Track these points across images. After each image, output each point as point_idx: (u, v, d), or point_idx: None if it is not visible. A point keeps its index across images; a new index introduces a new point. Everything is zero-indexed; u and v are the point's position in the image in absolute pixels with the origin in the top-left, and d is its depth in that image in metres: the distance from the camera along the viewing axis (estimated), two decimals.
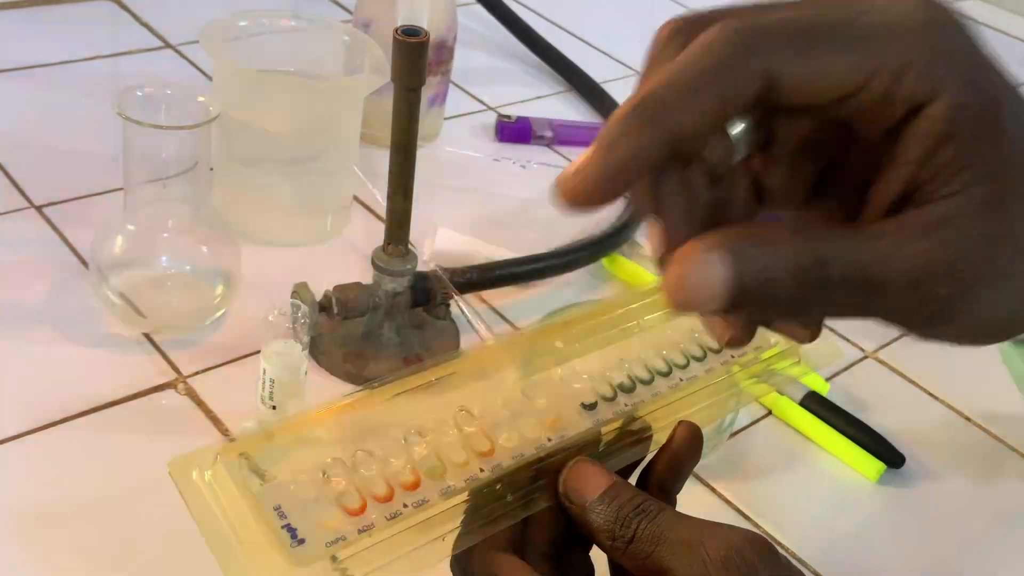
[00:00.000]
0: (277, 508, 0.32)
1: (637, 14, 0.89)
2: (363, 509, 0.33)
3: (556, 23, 0.87)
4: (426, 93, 0.64)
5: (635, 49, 0.85)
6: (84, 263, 0.51)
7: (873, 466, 0.48)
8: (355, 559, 0.32)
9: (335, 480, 0.33)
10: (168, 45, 0.73)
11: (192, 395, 0.45)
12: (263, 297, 0.48)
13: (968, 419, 0.53)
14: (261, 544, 0.31)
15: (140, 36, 0.74)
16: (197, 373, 0.46)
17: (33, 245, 0.52)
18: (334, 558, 0.32)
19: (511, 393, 0.37)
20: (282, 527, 0.32)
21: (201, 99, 0.45)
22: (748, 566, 0.30)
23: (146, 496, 0.40)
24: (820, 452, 0.49)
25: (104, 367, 0.46)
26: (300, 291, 0.47)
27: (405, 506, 0.33)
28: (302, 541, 0.31)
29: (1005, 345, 0.50)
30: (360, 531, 0.32)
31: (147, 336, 0.48)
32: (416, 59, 0.42)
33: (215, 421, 0.44)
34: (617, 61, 0.84)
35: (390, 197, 0.45)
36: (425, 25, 0.62)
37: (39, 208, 0.55)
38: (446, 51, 0.64)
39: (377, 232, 0.48)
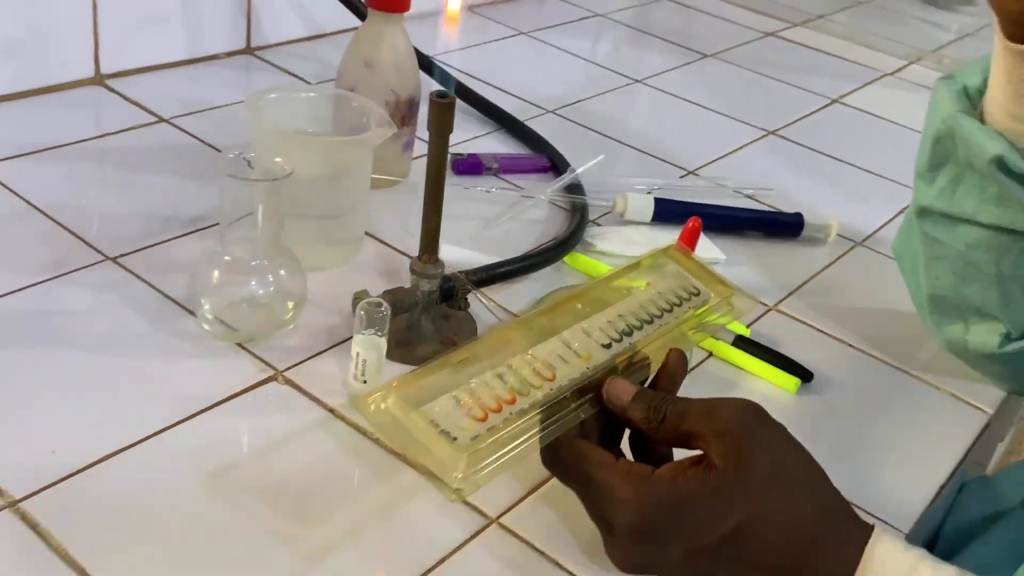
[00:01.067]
0: (432, 422, 0.47)
1: (536, 64, 1.06)
2: (486, 417, 0.48)
3: (477, 77, 1.04)
4: (401, 139, 0.79)
5: (541, 90, 1.04)
6: (167, 297, 0.64)
7: (792, 382, 0.65)
8: (488, 447, 0.47)
9: (463, 402, 0.48)
10: (162, 119, 0.86)
11: (292, 384, 0.59)
12: (315, 308, 0.63)
13: (851, 346, 0.72)
14: (436, 442, 0.45)
15: (133, 113, 0.86)
16: (289, 368, 0.60)
17: (117, 289, 0.65)
18: (471, 462, 0.46)
19: (553, 345, 0.53)
20: (439, 433, 0.47)
21: (277, 159, 0.59)
22: (751, 417, 0.47)
23: (289, 452, 0.53)
24: (752, 378, 0.67)
25: (216, 372, 0.59)
26: (361, 296, 0.61)
27: (511, 414, 0.49)
28: (455, 439, 0.46)
29: (896, 243, 0.68)
30: (488, 430, 0.47)
31: (240, 345, 0.61)
32: (447, 113, 0.57)
33: (315, 400, 0.58)
34: (529, 102, 1.01)
35: (425, 217, 0.60)
36: (407, 93, 0.78)
37: (114, 259, 0.67)
38: (415, 107, 0.80)
39: (383, 253, 0.63)
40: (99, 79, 0.90)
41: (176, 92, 0.90)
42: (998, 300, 0.61)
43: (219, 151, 0.82)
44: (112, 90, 0.89)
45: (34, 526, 0.47)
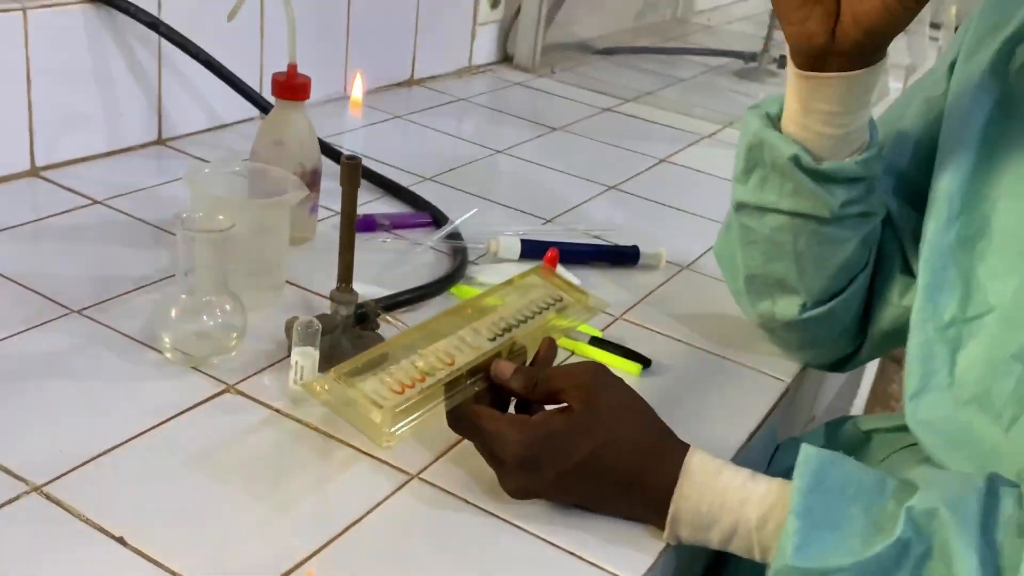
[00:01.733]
0: (364, 394, 0.63)
1: (411, 141, 1.25)
2: (403, 391, 0.65)
3: (364, 153, 1.21)
4: (308, 204, 0.96)
5: (418, 163, 1.23)
6: (129, 337, 0.78)
7: (635, 367, 0.84)
8: (406, 409, 0.63)
9: (385, 380, 0.65)
10: (96, 202, 1.00)
11: (242, 394, 0.74)
12: (253, 337, 0.79)
13: (680, 341, 0.91)
14: (369, 407, 0.62)
15: (70, 198, 1.00)
16: (238, 382, 0.75)
17: (86, 334, 0.78)
18: (395, 416, 0.63)
19: (451, 340, 0.70)
20: (371, 401, 0.63)
21: (220, 217, 0.74)
22: (598, 372, 0.65)
23: (247, 442, 0.69)
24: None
25: (180, 388, 0.73)
26: (292, 322, 0.77)
27: (422, 388, 0.65)
28: (381, 406, 0.63)
29: (717, 246, 0.87)
30: (405, 399, 0.64)
31: (196, 368, 0.76)
32: (355, 171, 0.74)
33: (262, 404, 0.73)
34: (409, 172, 1.19)
35: (341, 254, 0.77)
36: (312, 165, 0.94)
37: (79, 312, 0.81)
38: (318, 176, 0.96)
39: (301, 295, 0.79)
40: (34, 171, 1.04)
41: (103, 179, 1.05)
42: (796, 274, 0.80)
43: (149, 224, 0.97)
44: (48, 180, 1.03)
45: (60, 503, 0.61)
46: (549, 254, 0.90)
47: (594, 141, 1.43)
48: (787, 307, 0.82)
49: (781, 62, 1.89)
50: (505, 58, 1.73)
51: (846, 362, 0.88)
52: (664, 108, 1.61)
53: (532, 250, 0.99)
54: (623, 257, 1.03)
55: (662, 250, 1.04)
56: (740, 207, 0.80)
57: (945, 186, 0.75)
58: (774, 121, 0.77)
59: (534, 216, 1.13)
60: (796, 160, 0.74)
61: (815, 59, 0.70)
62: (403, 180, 1.15)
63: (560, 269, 0.93)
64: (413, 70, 1.52)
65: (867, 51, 0.69)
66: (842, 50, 0.69)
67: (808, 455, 0.62)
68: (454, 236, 1.01)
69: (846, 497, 0.61)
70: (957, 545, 0.56)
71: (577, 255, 1.02)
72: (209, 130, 1.21)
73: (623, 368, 0.84)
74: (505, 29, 1.71)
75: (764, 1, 1.90)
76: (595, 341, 0.86)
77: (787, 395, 0.87)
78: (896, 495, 0.60)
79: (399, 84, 1.51)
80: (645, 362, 0.85)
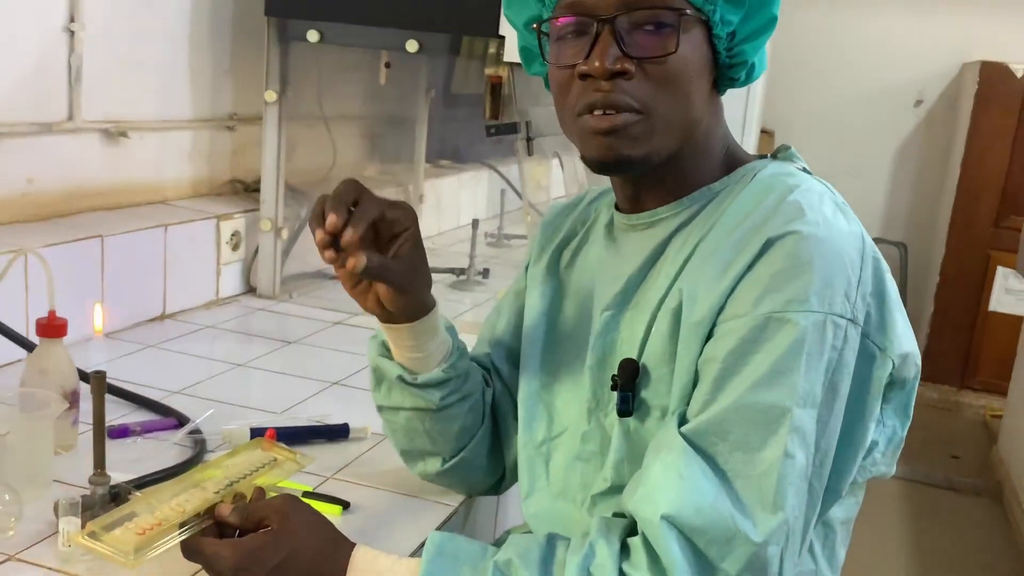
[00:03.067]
0: (113, 540, 0.88)
1: (162, 365, 1.50)
2: (144, 533, 0.90)
3: (119, 377, 1.46)
4: (70, 418, 1.20)
5: (167, 382, 1.49)
6: None
7: (336, 509, 1.11)
8: (148, 541, 0.89)
9: (128, 527, 0.90)
10: None
11: (23, 561, 0.96)
12: (28, 520, 1.01)
13: (379, 488, 1.19)
14: (117, 543, 0.86)
15: None
16: (19, 552, 0.97)
17: None
18: (138, 548, 0.88)
19: (185, 495, 0.96)
20: (118, 540, 0.88)
21: None
22: (290, 500, 0.93)
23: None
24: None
25: None
26: (58, 502, 0.99)
27: (159, 529, 0.91)
28: (127, 553, 0.88)
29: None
30: (147, 539, 0.89)
31: None
32: (102, 382, 1.00)
33: (39, 565, 0.95)
34: (159, 389, 1.44)
35: (95, 445, 1.01)
36: (71, 387, 1.19)
37: None
38: (77, 395, 1.20)
39: (66, 489, 1.03)
40: None
41: None
42: (431, 444, 1.11)
43: None
44: None
45: None
46: (268, 433, 1.17)
47: (324, 349, 1.73)
48: (433, 465, 1.14)
49: (485, 273, 2.29)
50: (249, 289, 2.02)
51: (496, 487, 1.19)
52: None
53: (260, 435, 1.26)
54: (336, 433, 1.32)
55: (367, 425, 1.34)
56: (380, 408, 1.13)
57: (529, 351, 1.09)
58: (388, 348, 1.09)
59: (267, 412, 1.40)
60: (400, 378, 1.07)
61: (385, 320, 1.04)
62: (153, 395, 1.40)
63: (282, 445, 1.21)
64: (165, 306, 1.79)
65: (407, 313, 1.02)
66: (394, 316, 1.02)
67: (432, 536, 0.91)
68: (195, 432, 1.26)
69: (459, 562, 0.89)
70: None
71: (299, 435, 1.29)
72: None
73: (327, 510, 1.11)
74: (247, 265, 2.02)
75: (468, 229, 2.31)
76: (307, 494, 1.13)
77: (456, 515, 1.16)
78: (492, 555, 0.90)
79: (152, 319, 1.77)
80: (344, 504, 1.12)
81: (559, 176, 2.09)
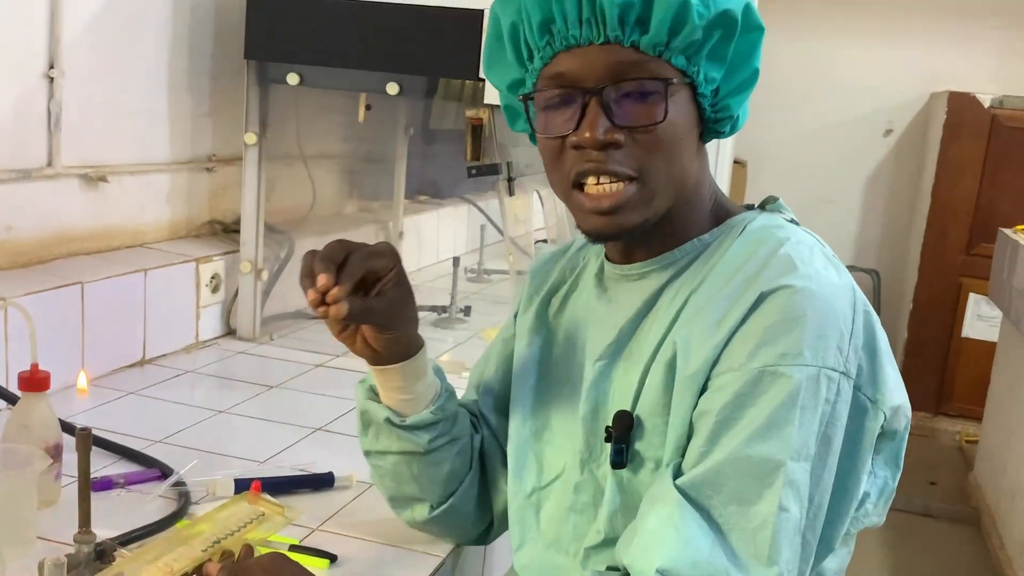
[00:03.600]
0: None
1: (145, 413, 1.49)
2: None
3: (102, 427, 1.44)
4: (53, 472, 1.18)
5: (149, 430, 1.48)
6: None
7: (323, 562, 1.10)
8: None
9: None
10: None
11: None
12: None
13: (368, 540, 1.18)
14: None
15: None
16: None
17: None
18: None
19: (174, 551, 0.95)
20: None
21: None
22: (277, 556, 0.91)
23: None
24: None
25: None
26: (43, 562, 0.98)
27: None
28: None
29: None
30: None
31: None
32: (87, 439, 0.99)
33: None
34: (142, 438, 1.42)
35: (80, 503, 1.00)
36: (54, 441, 1.17)
37: None
38: (60, 449, 1.19)
39: (51, 547, 1.01)
40: None
41: None
42: (419, 490, 1.10)
43: None
44: None
45: None
46: (254, 485, 1.16)
47: (306, 393, 1.72)
48: (420, 512, 1.13)
49: (467, 311, 2.29)
50: (229, 331, 2.01)
51: (484, 537, 1.18)
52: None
53: (245, 487, 1.24)
54: (320, 482, 1.31)
55: (352, 473, 1.33)
56: (367, 454, 1.12)
57: (518, 399, 1.09)
58: (375, 391, 1.09)
59: (250, 460, 1.39)
60: (388, 420, 1.07)
61: (374, 362, 1.04)
62: (136, 445, 1.38)
63: (268, 497, 1.19)
64: (144, 350, 1.78)
65: (395, 352, 1.03)
66: (382, 356, 1.02)
67: None
68: (179, 484, 1.25)
69: None
70: None
71: (284, 485, 1.28)
72: None
73: (314, 564, 1.10)
74: (227, 307, 2.00)
75: (448, 265, 2.31)
76: (292, 547, 1.12)
77: (444, 566, 1.15)
78: None
79: (132, 364, 1.75)
80: (332, 557, 1.11)
81: (539, 207, 2.10)
